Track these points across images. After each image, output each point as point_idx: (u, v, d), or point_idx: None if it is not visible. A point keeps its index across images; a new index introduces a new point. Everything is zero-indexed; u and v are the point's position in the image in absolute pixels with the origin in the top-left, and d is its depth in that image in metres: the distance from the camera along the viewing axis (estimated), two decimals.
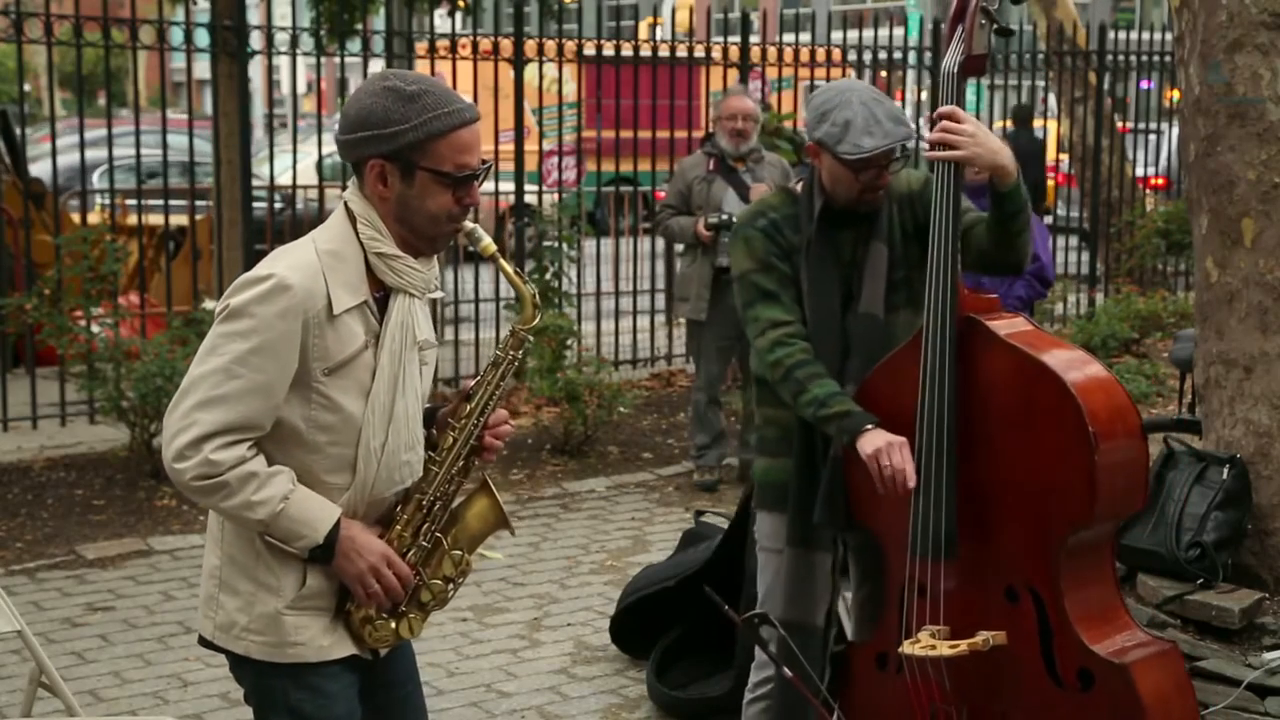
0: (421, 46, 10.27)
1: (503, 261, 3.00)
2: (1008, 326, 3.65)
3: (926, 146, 3.71)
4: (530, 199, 10.78)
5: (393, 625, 2.98)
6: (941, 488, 3.56)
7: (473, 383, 3.03)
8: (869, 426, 3.64)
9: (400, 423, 2.91)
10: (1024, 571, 3.56)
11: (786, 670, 3.49)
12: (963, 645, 3.52)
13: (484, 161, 2.90)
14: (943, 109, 3.63)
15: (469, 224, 2.93)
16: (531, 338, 3.07)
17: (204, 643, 2.99)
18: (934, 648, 3.53)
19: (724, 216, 7.47)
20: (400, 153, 2.82)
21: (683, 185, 7.77)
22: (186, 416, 2.78)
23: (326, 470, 2.88)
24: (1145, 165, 13.94)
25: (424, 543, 2.98)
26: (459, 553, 3.02)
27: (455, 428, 2.99)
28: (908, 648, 3.58)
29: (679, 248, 9.05)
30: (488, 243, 2.95)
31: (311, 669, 2.92)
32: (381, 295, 2.90)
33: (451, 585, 3.03)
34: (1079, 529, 3.51)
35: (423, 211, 2.86)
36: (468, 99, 2.90)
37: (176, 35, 8.93)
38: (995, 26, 3.68)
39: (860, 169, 3.73)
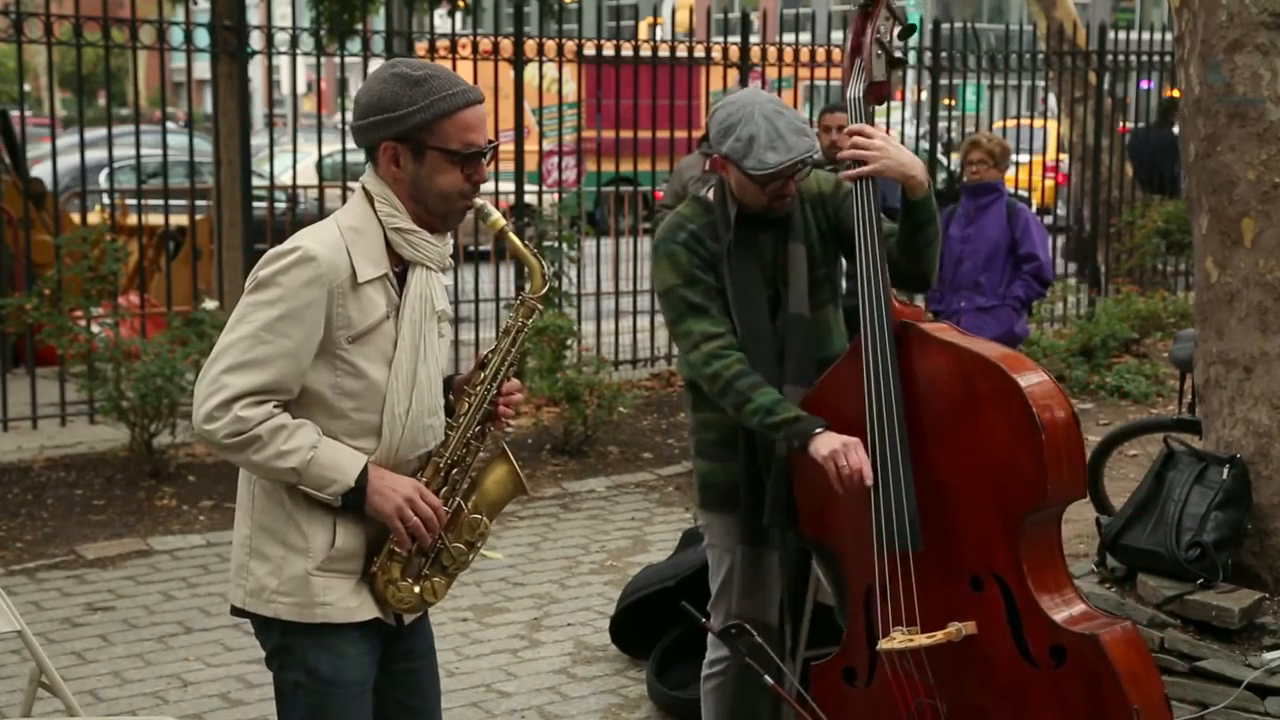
0: (421, 46, 10.26)
1: (512, 236, 3.13)
2: (940, 331, 3.76)
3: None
4: (530, 199, 10.77)
5: (415, 589, 3.07)
6: (900, 479, 3.61)
7: (489, 351, 3.15)
8: (819, 430, 3.68)
9: (423, 388, 3.04)
10: (986, 559, 3.62)
11: (768, 678, 3.52)
12: (939, 635, 3.60)
13: (491, 141, 3.04)
14: (851, 127, 3.72)
15: (479, 200, 3.07)
16: (541, 306, 3.19)
17: (235, 611, 3.09)
18: (912, 640, 3.60)
19: None
20: (410, 134, 2.96)
21: (680, 185, 7.79)
22: (215, 381, 2.91)
23: (352, 435, 2.99)
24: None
25: (445, 507, 3.07)
26: (478, 517, 3.12)
27: (470, 394, 3.12)
28: (885, 644, 3.64)
29: None
30: (497, 217, 3.10)
31: (334, 630, 3.01)
32: (400, 270, 3.03)
33: (472, 550, 3.13)
34: (1036, 510, 3.58)
35: (435, 190, 3.00)
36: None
37: (176, 35, 8.93)
38: (888, 56, 3.80)
39: (766, 182, 3.79)
